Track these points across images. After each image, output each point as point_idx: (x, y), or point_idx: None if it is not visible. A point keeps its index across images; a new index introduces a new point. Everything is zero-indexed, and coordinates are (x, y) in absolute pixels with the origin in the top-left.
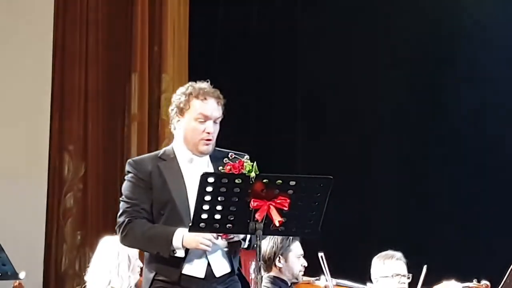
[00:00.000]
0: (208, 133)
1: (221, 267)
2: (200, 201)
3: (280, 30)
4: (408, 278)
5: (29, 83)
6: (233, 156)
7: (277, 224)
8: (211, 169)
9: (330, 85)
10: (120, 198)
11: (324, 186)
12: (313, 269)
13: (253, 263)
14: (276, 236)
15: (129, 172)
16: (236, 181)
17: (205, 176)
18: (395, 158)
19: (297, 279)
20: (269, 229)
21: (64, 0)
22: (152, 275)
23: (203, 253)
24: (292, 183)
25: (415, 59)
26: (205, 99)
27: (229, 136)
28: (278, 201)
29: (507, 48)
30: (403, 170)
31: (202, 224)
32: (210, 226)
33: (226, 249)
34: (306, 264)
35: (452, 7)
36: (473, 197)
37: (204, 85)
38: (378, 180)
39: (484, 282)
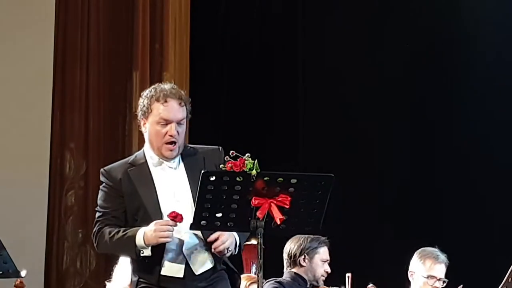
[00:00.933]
0: (171, 136)
1: (201, 264)
2: (201, 199)
3: (281, 25)
4: (444, 282)
5: (30, 81)
6: (234, 154)
7: (278, 222)
8: (182, 170)
9: (332, 81)
10: (96, 208)
11: (325, 183)
12: (335, 279)
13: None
14: (305, 236)
15: (102, 181)
16: (237, 179)
17: (206, 174)
18: (397, 157)
19: (317, 282)
20: (270, 227)
21: None
22: (136, 278)
23: (181, 252)
24: (294, 181)
25: (419, 57)
26: (166, 101)
27: (229, 132)
28: (279, 199)
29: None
30: (405, 170)
31: (203, 222)
32: (211, 224)
33: (205, 245)
34: (329, 271)
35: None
36: (476, 197)
37: (167, 86)
38: (382, 179)
39: None
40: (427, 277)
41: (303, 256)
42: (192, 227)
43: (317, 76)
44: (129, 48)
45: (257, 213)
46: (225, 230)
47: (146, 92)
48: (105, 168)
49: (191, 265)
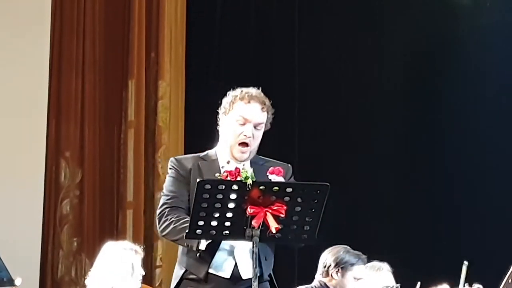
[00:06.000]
0: (245, 136)
1: (249, 270)
2: (196, 207)
3: (278, 37)
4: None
5: (25, 89)
6: (229, 162)
7: (274, 231)
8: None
9: (328, 84)
10: (161, 193)
11: (321, 193)
12: (309, 277)
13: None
14: (345, 249)
15: (170, 168)
16: (233, 187)
17: (202, 183)
18: (391, 161)
19: None
20: (265, 236)
21: (61, 6)
22: (182, 271)
23: (231, 253)
24: (289, 190)
25: (413, 59)
26: (249, 102)
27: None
28: (275, 208)
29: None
30: (399, 174)
31: (198, 231)
32: (206, 233)
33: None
34: None
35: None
36: (468, 198)
37: (253, 90)
38: (373, 182)
39: (477, 285)
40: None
41: (336, 269)
42: (188, 236)
43: (314, 85)
44: (124, 56)
45: (253, 222)
46: (220, 239)
47: (232, 92)
48: (176, 157)
49: (239, 269)
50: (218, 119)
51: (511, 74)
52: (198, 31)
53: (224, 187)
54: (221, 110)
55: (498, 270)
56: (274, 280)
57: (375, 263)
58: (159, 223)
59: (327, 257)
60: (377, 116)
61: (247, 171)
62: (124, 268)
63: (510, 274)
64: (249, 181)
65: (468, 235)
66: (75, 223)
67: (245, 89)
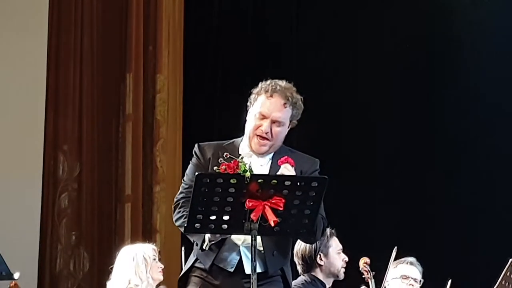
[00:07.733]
0: (262, 130)
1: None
2: (195, 201)
3: (276, 30)
4: (420, 282)
5: (23, 83)
6: (228, 156)
7: (272, 224)
8: (268, 166)
9: (328, 80)
10: (182, 180)
11: (319, 186)
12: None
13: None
14: None
15: (193, 155)
16: (231, 181)
17: (200, 176)
18: (390, 160)
19: (338, 276)
20: (264, 229)
21: (58, 0)
22: (193, 259)
23: (237, 247)
24: (287, 183)
25: (412, 58)
26: (271, 96)
27: (223, 133)
28: (273, 201)
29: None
30: (398, 171)
31: (197, 225)
32: (205, 227)
33: (261, 248)
34: (347, 259)
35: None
36: (471, 198)
37: (281, 83)
38: (377, 177)
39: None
40: (401, 277)
41: (318, 256)
42: (186, 230)
43: (313, 81)
44: (122, 50)
45: (251, 216)
46: (219, 233)
47: (262, 82)
48: (201, 143)
49: (243, 264)
50: (248, 107)
51: (510, 73)
52: (196, 24)
53: (222, 180)
54: (249, 100)
55: (498, 265)
56: (289, 276)
57: (404, 258)
58: (173, 213)
59: (303, 250)
60: (376, 115)
61: (245, 164)
62: (137, 263)
63: (508, 267)
64: (248, 174)
65: (469, 233)
66: (73, 217)
67: (274, 82)
